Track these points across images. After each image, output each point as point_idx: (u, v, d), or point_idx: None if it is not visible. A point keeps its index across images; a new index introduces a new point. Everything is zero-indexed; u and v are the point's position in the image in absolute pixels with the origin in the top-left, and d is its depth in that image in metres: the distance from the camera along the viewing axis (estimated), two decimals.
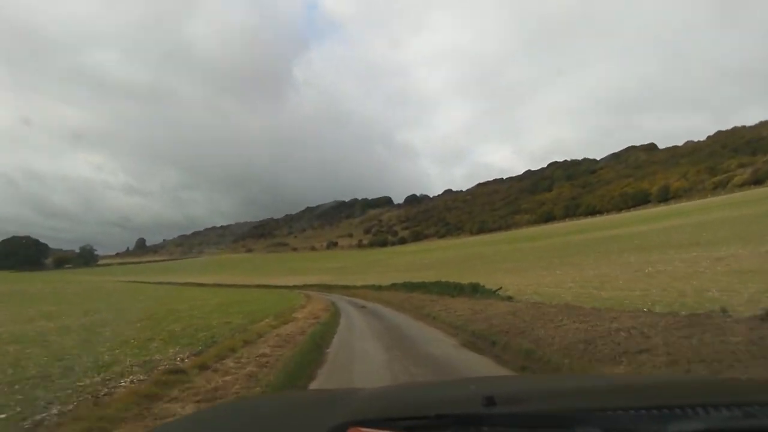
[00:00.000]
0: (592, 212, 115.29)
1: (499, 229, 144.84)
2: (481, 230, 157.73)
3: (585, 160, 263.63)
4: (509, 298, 17.70)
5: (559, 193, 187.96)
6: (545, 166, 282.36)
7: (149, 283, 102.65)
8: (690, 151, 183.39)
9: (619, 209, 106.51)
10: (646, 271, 22.16)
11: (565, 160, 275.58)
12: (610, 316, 8.89)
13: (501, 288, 20.00)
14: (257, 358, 7.49)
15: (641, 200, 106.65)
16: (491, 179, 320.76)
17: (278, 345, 9.07)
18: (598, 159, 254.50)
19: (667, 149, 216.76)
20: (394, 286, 36.59)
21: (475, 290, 20.07)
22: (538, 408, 1.24)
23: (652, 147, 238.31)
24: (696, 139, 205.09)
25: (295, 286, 74.23)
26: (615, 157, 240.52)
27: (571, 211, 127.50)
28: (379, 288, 39.22)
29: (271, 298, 35.12)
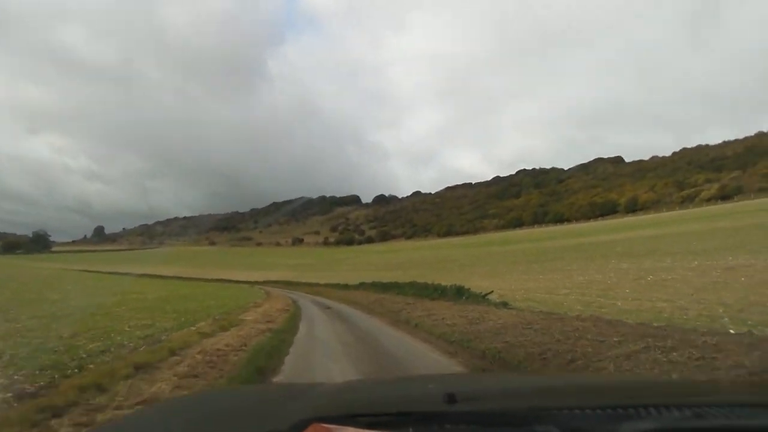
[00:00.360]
0: (560, 220, 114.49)
1: (467, 232, 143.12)
2: (448, 233, 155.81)
3: (553, 169, 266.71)
4: (504, 305, 14.82)
5: (527, 200, 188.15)
6: (514, 173, 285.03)
7: (100, 272, 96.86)
8: (656, 165, 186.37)
9: (587, 218, 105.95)
10: (648, 279, 19.75)
11: (534, 168, 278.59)
12: (700, 341, 5.97)
13: (492, 292, 17.10)
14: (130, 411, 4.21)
15: (609, 210, 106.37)
16: (460, 183, 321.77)
17: (191, 374, 5.65)
18: (566, 169, 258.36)
19: (634, 162, 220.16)
20: (362, 286, 33.46)
21: (459, 293, 17.14)
22: (497, 406, 1.26)
23: (619, 160, 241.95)
24: (661, 155, 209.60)
25: (255, 282, 70.40)
26: (583, 168, 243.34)
27: (540, 218, 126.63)
28: (346, 287, 36.01)
29: (225, 293, 31.48)
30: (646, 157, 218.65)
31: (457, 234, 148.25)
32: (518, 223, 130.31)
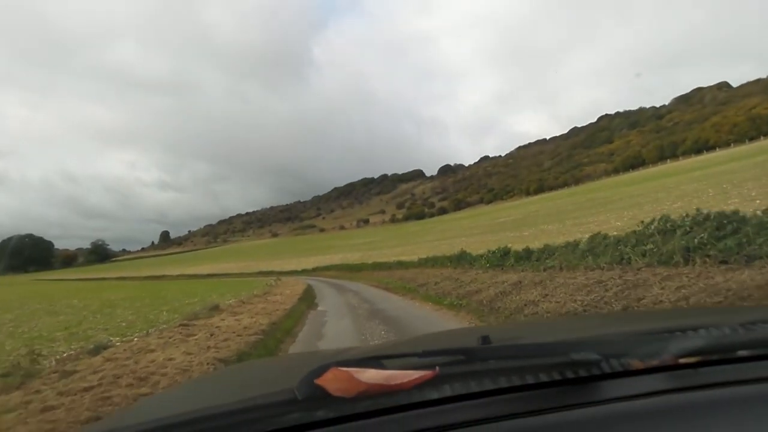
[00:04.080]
0: (707, 147, 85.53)
1: (566, 185, 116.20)
2: (540, 189, 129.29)
3: (641, 109, 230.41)
4: None
5: (626, 142, 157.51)
6: (595, 120, 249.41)
7: (120, 279, 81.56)
8: None
9: (751, 138, 77.07)
10: None
11: (618, 112, 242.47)
12: None
13: None
14: None
15: None
16: (533, 141, 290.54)
17: None
18: (657, 106, 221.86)
19: (751, 83, 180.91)
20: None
21: None
22: (533, 341, 1.20)
23: (724, 85, 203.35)
24: None
25: (304, 270, 50.67)
26: (683, 100, 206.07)
27: (668, 152, 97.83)
28: (501, 262, 12.20)
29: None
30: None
31: (552, 188, 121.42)
32: (638, 162, 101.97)
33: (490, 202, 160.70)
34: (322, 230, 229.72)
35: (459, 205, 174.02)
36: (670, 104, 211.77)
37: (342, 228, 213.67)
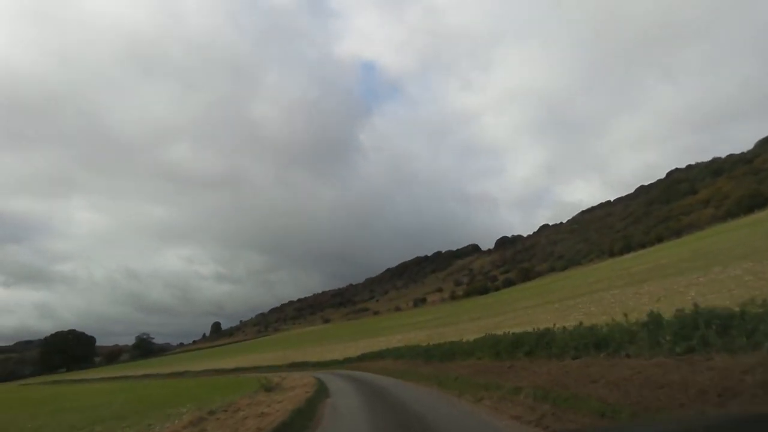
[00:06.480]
0: None
1: (662, 239, 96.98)
2: (626, 248, 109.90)
3: (715, 158, 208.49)
4: None
5: (715, 191, 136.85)
6: (663, 176, 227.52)
7: (144, 376, 69.60)
8: None
9: None
10: None
11: (689, 165, 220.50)
12: None
13: None
14: None
15: None
16: (596, 204, 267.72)
17: None
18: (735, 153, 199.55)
19: None
20: None
21: None
22: None
23: None
24: None
25: (347, 360, 34.50)
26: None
27: None
28: None
29: None
30: None
31: (643, 245, 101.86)
32: (758, 203, 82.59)
33: (564, 268, 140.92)
34: (376, 313, 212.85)
35: (528, 275, 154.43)
36: (754, 148, 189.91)
37: (397, 309, 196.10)
